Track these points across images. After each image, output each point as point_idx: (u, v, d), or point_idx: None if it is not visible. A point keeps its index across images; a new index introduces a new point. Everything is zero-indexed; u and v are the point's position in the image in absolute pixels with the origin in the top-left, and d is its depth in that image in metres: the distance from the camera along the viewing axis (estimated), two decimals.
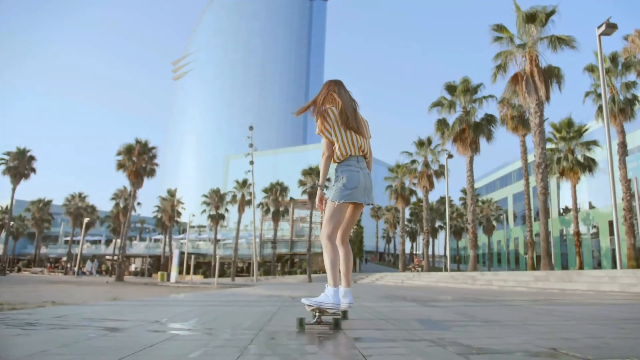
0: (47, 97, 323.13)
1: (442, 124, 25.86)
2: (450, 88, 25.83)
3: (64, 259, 63.82)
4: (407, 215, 61.31)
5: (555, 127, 29.74)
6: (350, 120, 3.08)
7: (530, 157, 56.13)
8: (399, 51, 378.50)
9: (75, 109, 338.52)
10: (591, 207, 46.21)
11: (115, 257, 68.97)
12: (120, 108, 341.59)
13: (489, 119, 25.26)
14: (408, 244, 71.92)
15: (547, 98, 17.65)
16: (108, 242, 71.34)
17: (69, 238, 63.32)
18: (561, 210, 50.09)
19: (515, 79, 18.66)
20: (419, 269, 32.46)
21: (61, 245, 75.35)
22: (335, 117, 3.08)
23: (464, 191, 63.32)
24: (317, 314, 2.94)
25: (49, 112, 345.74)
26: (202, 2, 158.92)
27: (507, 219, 62.02)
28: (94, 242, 77.69)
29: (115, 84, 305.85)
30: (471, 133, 24.13)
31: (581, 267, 30.13)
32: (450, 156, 26.04)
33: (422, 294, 9.85)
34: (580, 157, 29.04)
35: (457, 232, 69.03)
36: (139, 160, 37.34)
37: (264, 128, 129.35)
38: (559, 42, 17.71)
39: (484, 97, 25.45)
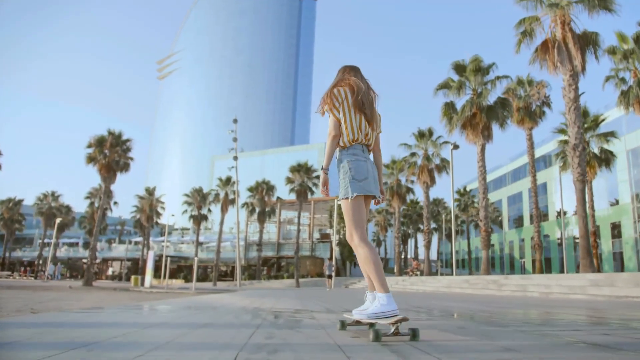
0: (27, 96, 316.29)
1: (449, 108, 22.79)
2: (459, 68, 22.79)
3: (38, 262, 60.06)
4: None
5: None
6: (366, 106, 2.85)
7: (538, 152, 53.97)
8: (391, 50, 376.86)
9: (55, 108, 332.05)
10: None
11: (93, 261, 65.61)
12: (103, 108, 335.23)
13: (504, 103, 22.27)
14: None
15: (583, 68, 14.87)
16: (86, 245, 67.73)
17: (45, 241, 59.52)
18: (555, 213, 47.91)
19: (544, 47, 15.83)
20: (418, 272, 29.56)
21: (36, 248, 71.59)
22: (347, 97, 2.85)
23: (459, 192, 60.67)
24: (394, 325, 2.50)
25: (29, 111, 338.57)
26: (189, 0, 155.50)
27: (501, 222, 59.58)
28: (71, 245, 74.08)
29: (97, 83, 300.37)
30: (483, 117, 21.16)
31: (599, 271, 27.41)
32: (456, 147, 23.16)
33: (459, 304, 6.89)
34: (596, 150, 26.37)
35: (451, 235, 66.27)
36: (111, 153, 33.98)
37: (251, 129, 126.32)
38: (598, 2, 14.90)
39: (498, 78, 22.45)
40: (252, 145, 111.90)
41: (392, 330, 2.54)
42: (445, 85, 22.95)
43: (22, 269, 64.17)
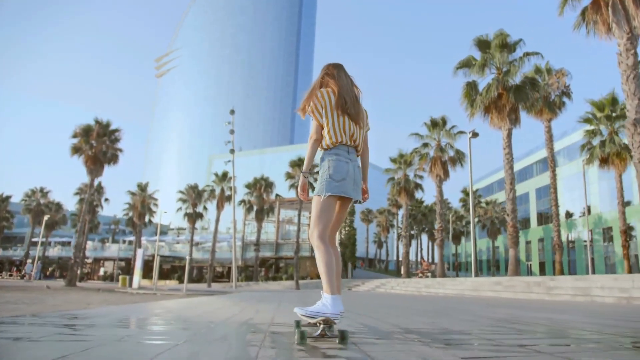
0: (23, 96, 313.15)
1: (471, 89, 20.27)
2: (482, 44, 20.23)
3: (29, 261, 57.71)
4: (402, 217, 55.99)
5: (596, 105, 24.70)
6: (349, 106, 2.75)
7: (540, 154, 51.80)
8: (393, 48, 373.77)
9: (53, 108, 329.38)
10: (589, 212, 42.87)
11: (87, 261, 63.27)
12: (99, 106, 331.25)
13: (533, 82, 19.80)
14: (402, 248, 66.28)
15: None
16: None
17: (36, 239, 57.22)
18: (564, 214, 45.93)
19: (595, 6, 13.49)
20: (429, 274, 27.18)
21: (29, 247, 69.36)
22: (330, 99, 2.75)
23: (464, 191, 58.29)
24: (321, 325, 2.51)
25: (27, 111, 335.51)
26: None
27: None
28: (63, 244, 71.75)
29: (93, 82, 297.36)
30: (511, 98, 18.67)
31: (629, 272, 25.06)
32: (475, 134, 20.74)
33: (545, 315, 4.55)
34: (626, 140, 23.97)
35: (456, 237, 63.78)
36: (98, 144, 31.54)
37: (250, 127, 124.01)
38: None
39: (527, 55, 19.90)
40: (251, 144, 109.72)
41: (319, 331, 2.51)
42: (466, 64, 20.44)
43: (15, 268, 62.02)
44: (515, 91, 18.86)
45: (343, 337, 2.40)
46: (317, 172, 2.74)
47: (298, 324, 2.76)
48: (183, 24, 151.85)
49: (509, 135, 19.35)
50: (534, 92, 19.32)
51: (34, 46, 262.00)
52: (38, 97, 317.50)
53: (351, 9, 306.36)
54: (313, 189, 2.83)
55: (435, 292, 16.82)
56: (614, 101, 24.49)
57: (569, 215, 47.62)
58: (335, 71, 2.86)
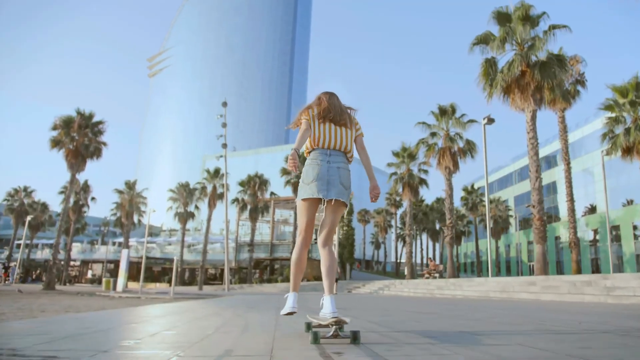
0: (15, 102, 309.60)
1: (490, 66, 18.10)
2: (502, 17, 17.99)
3: (13, 264, 55.30)
4: (400, 217, 53.97)
5: (618, 90, 22.75)
6: (334, 114, 2.92)
7: (542, 152, 50.08)
8: (388, 50, 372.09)
9: (42, 111, 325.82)
10: (591, 211, 41.27)
11: (74, 263, 60.93)
12: (89, 107, 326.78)
13: (560, 59, 17.68)
14: (402, 248, 64.15)
15: None
16: (67, 247, 63.03)
17: (20, 241, 54.84)
18: (567, 214, 44.33)
19: None
20: (437, 274, 25.16)
21: (14, 249, 67.02)
22: (313, 114, 2.95)
23: (466, 190, 56.26)
24: (333, 326, 2.53)
25: (17, 117, 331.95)
26: None
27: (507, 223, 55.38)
28: (51, 247, 69.31)
29: (84, 81, 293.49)
30: (536, 75, 16.52)
31: None
32: (490, 120, 18.77)
33: None
34: None
35: (457, 237, 61.75)
36: (80, 137, 29.31)
37: (245, 128, 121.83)
38: None
39: (552, 28, 17.77)
40: (245, 145, 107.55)
41: (332, 332, 2.52)
42: (483, 40, 18.31)
43: (4, 271, 59.81)
44: (541, 68, 16.77)
45: (355, 337, 2.44)
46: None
47: (309, 326, 2.96)
48: (176, 23, 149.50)
49: (534, 118, 17.28)
50: (562, 70, 17.22)
51: (29, 49, 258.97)
52: (32, 101, 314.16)
53: (346, 10, 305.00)
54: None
55: (452, 294, 14.79)
56: (638, 86, 22.55)
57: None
58: (327, 96, 3.03)
